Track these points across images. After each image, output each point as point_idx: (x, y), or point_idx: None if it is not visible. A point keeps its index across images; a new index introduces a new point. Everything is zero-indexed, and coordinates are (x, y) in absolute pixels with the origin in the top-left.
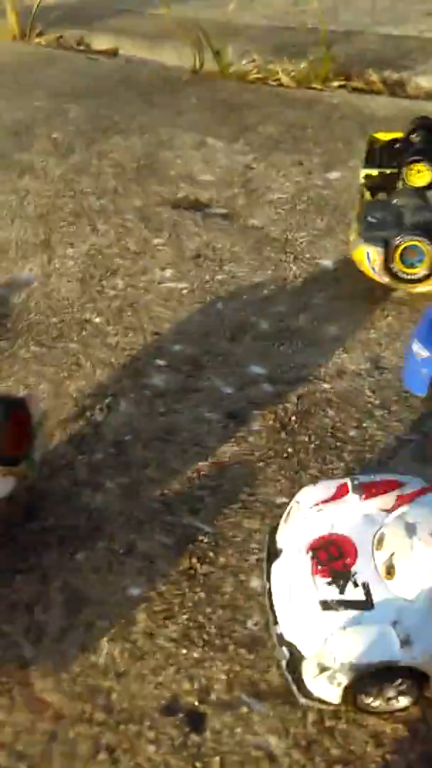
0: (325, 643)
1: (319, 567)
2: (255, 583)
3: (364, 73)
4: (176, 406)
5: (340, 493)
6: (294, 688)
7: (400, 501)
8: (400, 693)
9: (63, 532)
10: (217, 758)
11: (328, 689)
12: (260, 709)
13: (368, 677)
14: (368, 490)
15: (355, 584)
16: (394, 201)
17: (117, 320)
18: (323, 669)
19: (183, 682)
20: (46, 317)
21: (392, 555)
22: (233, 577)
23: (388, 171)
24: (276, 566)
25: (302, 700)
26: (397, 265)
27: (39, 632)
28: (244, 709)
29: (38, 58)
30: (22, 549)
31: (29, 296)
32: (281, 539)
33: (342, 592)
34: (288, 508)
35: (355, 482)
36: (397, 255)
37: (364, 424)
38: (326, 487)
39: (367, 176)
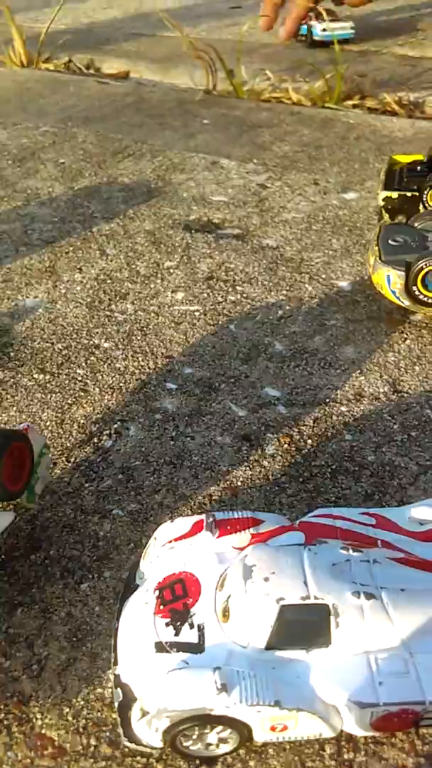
0: (151, 687)
1: (161, 607)
2: None
3: (379, 93)
4: (187, 430)
5: (196, 530)
6: (120, 730)
7: (255, 539)
8: (221, 740)
9: (67, 563)
10: None
11: (148, 733)
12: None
13: (186, 722)
14: (223, 528)
15: (191, 626)
16: (416, 224)
17: (126, 344)
18: (144, 713)
19: None
20: (51, 344)
21: (229, 597)
22: None
23: (408, 194)
24: (126, 605)
25: (127, 744)
26: (419, 288)
27: (39, 666)
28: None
29: (45, 84)
30: (24, 582)
31: (33, 323)
32: (138, 576)
33: (177, 633)
34: (146, 544)
35: (210, 519)
36: (419, 278)
37: (383, 449)
38: (182, 524)
39: (387, 198)
